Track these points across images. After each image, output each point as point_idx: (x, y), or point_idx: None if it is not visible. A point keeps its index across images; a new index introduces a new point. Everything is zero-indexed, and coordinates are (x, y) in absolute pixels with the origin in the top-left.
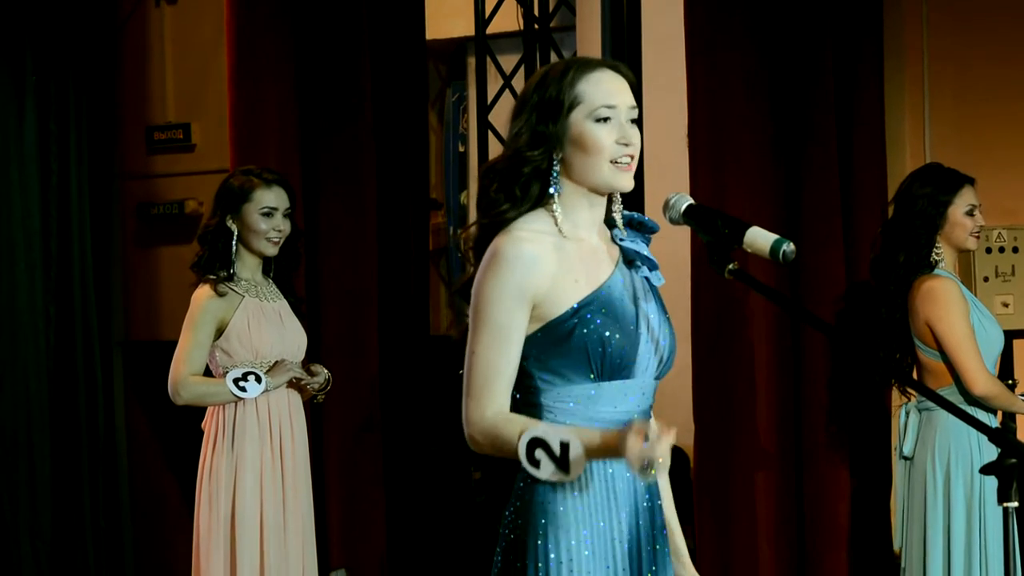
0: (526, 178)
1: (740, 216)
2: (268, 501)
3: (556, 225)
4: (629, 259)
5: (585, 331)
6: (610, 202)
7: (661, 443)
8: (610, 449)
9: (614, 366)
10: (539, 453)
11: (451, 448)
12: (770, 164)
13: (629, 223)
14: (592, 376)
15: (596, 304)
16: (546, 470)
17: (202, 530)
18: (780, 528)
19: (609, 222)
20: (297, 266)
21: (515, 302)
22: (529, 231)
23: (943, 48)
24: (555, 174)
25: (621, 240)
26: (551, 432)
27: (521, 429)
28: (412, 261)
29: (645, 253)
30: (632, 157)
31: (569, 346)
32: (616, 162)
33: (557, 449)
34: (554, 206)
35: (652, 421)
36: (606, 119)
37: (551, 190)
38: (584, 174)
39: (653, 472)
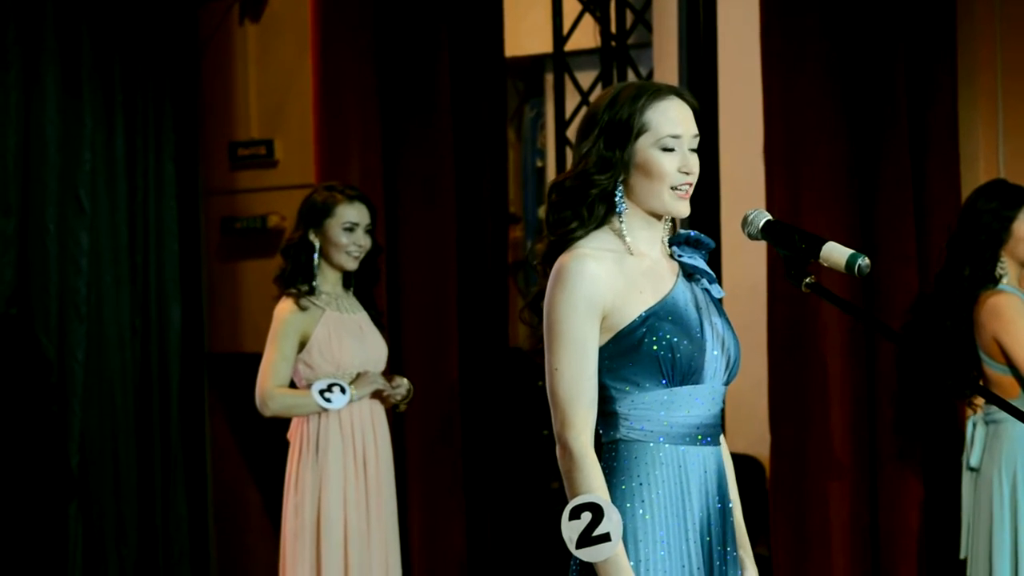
0: (593, 199)
1: (815, 230)
2: (352, 510)
3: (620, 242)
4: (688, 272)
5: (654, 339)
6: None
7: None
8: None
9: (684, 371)
10: (584, 516)
11: (530, 458)
12: (844, 179)
13: (687, 240)
14: (664, 382)
15: (662, 313)
16: (572, 537)
17: (288, 539)
18: (854, 536)
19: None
20: (377, 281)
21: (586, 315)
22: (592, 248)
23: (1017, 62)
24: (619, 195)
25: (680, 256)
26: (606, 513)
27: (587, 490)
28: (491, 274)
29: (703, 267)
30: (690, 184)
31: (640, 354)
32: (676, 188)
33: (596, 528)
34: (618, 224)
35: None
36: (671, 148)
37: (616, 209)
38: (645, 198)
39: None
